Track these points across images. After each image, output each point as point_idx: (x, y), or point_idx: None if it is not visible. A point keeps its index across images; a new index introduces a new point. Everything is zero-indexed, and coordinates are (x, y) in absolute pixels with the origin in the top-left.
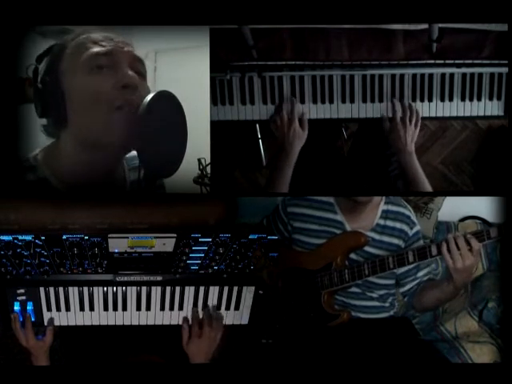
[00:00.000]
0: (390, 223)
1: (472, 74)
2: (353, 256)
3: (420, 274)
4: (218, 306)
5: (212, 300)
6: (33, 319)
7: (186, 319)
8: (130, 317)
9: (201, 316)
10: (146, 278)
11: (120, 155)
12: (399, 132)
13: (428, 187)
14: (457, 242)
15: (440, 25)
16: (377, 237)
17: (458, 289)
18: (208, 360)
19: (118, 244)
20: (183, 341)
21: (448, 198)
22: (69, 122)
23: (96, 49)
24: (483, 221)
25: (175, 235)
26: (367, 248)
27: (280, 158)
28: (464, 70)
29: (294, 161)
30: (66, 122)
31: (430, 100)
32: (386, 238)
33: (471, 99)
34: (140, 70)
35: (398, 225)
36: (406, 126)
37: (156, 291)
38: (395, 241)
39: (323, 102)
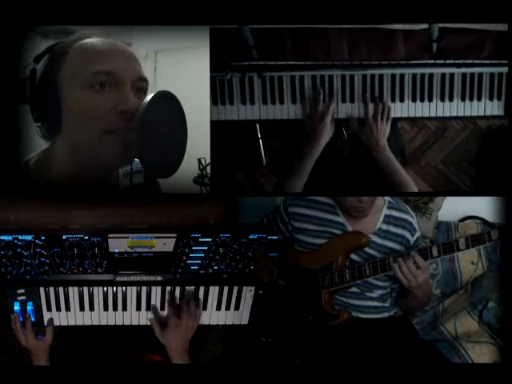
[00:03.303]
0: (392, 229)
1: (472, 74)
2: (354, 257)
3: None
4: (218, 306)
5: (212, 300)
6: (33, 319)
7: (154, 308)
8: (130, 317)
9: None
10: (145, 278)
11: (111, 169)
12: (370, 128)
13: (408, 178)
14: (406, 264)
15: (440, 25)
16: (379, 241)
17: (422, 301)
18: (186, 350)
19: (118, 244)
20: (156, 332)
21: (448, 198)
22: (63, 129)
23: (99, 66)
24: (483, 221)
25: (175, 235)
26: (369, 250)
27: (305, 148)
28: (464, 70)
29: (317, 154)
30: (60, 129)
31: (430, 100)
32: (387, 243)
33: (471, 99)
34: (142, 87)
35: (399, 231)
36: (377, 121)
37: (156, 291)
38: (396, 246)
39: (323, 101)
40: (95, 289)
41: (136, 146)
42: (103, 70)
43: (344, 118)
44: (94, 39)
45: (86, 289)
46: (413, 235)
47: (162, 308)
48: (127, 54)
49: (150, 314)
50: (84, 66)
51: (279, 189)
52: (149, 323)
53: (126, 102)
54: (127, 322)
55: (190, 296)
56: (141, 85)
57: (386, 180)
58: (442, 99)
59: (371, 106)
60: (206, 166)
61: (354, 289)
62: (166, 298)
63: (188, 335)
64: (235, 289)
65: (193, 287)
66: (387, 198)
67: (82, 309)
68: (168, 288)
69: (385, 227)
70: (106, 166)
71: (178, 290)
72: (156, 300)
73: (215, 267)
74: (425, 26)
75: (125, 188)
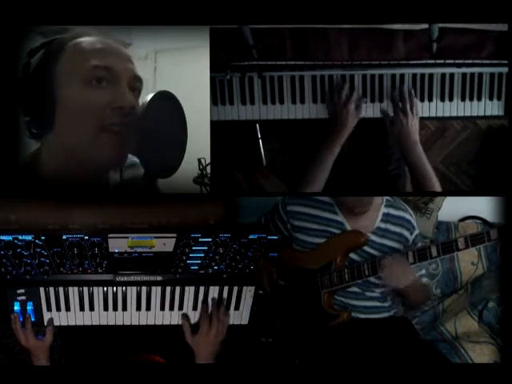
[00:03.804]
0: (390, 227)
1: (472, 74)
2: (354, 257)
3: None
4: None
5: None
6: (33, 319)
7: (184, 315)
8: (130, 317)
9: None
10: (146, 278)
11: (102, 170)
12: (401, 122)
13: (435, 180)
14: (390, 267)
15: (440, 25)
16: (377, 240)
17: (415, 302)
18: (215, 355)
19: (118, 244)
20: (186, 336)
21: (448, 197)
22: (55, 126)
23: (97, 61)
24: (483, 221)
25: (175, 235)
26: (368, 249)
27: (330, 136)
28: (464, 69)
29: (342, 141)
30: (53, 126)
31: (430, 100)
32: (386, 242)
33: (471, 99)
34: (138, 88)
35: (398, 229)
36: (408, 115)
37: (156, 291)
38: (395, 245)
39: (323, 101)
40: (95, 289)
41: (135, 146)
42: (101, 66)
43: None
44: (90, 38)
45: (86, 289)
46: (411, 233)
47: (162, 308)
48: (123, 54)
49: (181, 318)
50: (82, 61)
51: (302, 180)
52: (180, 323)
53: (123, 99)
54: (127, 322)
55: (218, 301)
56: (136, 84)
57: (412, 176)
58: (442, 99)
59: (401, 103)
60: (206, 166)
61: (353, 289)
62: (199, 303)
63: (218, 341)
64: (235, 289)
65: (217, 287)
66: (385, 196)
67: (82, 309)
68: (168, 288)
69: (383, 226)
70: (98, 166)
71: (178, 289)
72: (156, 300)
73: (215, 267)
74: (425, 26)
75: (115, 185)
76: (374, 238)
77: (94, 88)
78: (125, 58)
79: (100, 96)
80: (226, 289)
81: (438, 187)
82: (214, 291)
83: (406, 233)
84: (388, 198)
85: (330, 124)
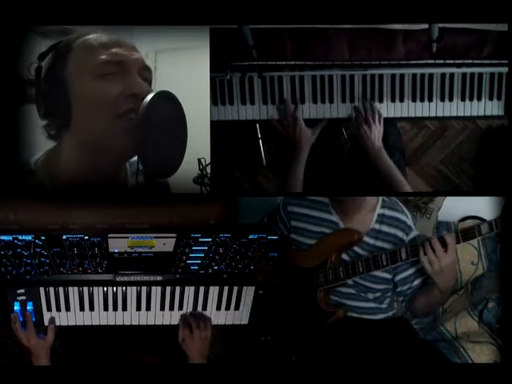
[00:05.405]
0: (385, 228)
1: (472, 74)
2: (346, 259)
3: (415, 282)
4: (218, 306)
5: (212, 300)
6: (33, 319)
7: (182, 317)
8: (130, 317)
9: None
10: (146, 278)
11: (123, 159)
12: (365, 131)
13: (403, 180)
14: (432, 245)
15: (440, 25)
16: (371, 242)
17: (443, 292)
18: (205, 356)
19: (118, 244)
20: (179, 340)
21: (448, 197)
22: (72, 122)
23: (105, 56)
24: (483, 221)
25: (175, 235)
26: (362, 252)
27: (291, 157)
28: (464, 69)
29: (304, 159)
30: (70, 123)
31: (430, 100)
32: (380, 244)
33: (471, 99)
34: (147, 78)
35: (392, 230)
36: (370, 125)
37: (156, 291)
38: (389, 246)
39: (323, 101)
40: (95, 289)
41: (137, 145)
42: (111, 60)
43: (344, 117)
44: (96, 34)
45: (86, 289)
46: (407, 234)
47: (162, 308)
48: (130, 45)
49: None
50: (91, 57)
51: (283, 186)
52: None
53: (136, 86)
54: (127, 322)
55: (197, 311)
56: (146, 74)
57: (383, 181)
58: (442, 99)
59: (362, 111)
60: (206, 166)
61: (349, 290)
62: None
63: (203, 345)
64: (235, 289)
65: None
66: (381, 197)
67: (82, 309)
68: (168, 288)
69: (377, 227)
70: (119, 154)
71: (178, 289)
72: (156, 300)
73: (215, 267)
74: (425, 26)
75: (133, 186)
76: (367, 239)
77: (105, 80)
78: (132, 50)
79: (112, 86)
80: (225, 289)
81: (408, 189)
82: (214, 291)
83: (400, 234)
84: (384, 198)
85: (289, 143)
